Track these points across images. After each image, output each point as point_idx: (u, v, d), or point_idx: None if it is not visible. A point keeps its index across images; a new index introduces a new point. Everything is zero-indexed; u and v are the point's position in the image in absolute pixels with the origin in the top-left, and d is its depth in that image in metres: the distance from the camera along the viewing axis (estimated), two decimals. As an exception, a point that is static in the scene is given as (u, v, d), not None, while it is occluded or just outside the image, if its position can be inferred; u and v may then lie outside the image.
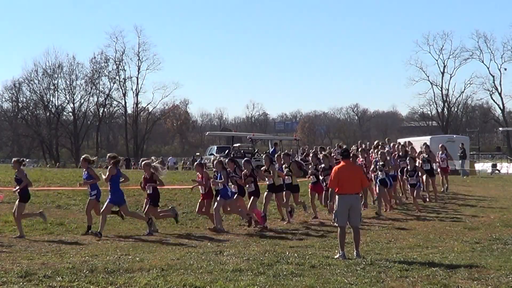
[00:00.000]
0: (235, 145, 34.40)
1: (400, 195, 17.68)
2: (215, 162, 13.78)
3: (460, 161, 30.41)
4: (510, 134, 71.94)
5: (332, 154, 21.14)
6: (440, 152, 20.37)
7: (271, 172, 13.82)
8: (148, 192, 12.76)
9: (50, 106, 73.09)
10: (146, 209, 12.81)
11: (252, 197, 13.30)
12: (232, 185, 13.15)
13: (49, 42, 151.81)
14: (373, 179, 15.92)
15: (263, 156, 16.06)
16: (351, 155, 12.10)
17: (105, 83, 74.45)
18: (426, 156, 18.25)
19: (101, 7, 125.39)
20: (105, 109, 76.97)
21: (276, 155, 15.53)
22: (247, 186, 13.24)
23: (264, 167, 14.21)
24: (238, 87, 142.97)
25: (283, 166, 14.40)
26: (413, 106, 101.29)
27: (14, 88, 74.72)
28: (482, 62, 76.96)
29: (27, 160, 65.18)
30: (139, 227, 13.17)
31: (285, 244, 10.76)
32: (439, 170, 20.13)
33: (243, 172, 13.17)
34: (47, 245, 10.95)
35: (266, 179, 13.99)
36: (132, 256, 9.18)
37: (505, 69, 75.08)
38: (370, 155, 18.06)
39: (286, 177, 14.18)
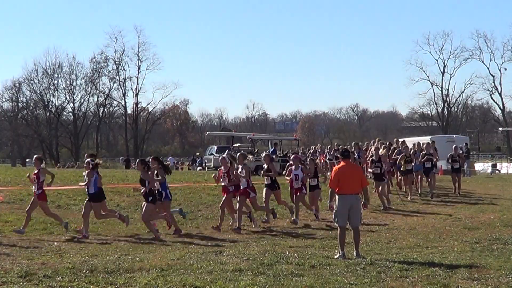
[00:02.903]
0: (235, 145, 34.37)
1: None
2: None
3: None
4: (510, 134, 71.86)
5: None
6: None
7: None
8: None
9: (50, 106, 73.08)
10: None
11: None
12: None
13: (49, 42, 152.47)
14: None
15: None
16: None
17: (105, 83, 74.38)
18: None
19: (101, 7, 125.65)
20: (105, 109, 76.94)
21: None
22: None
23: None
24: (238, 87, 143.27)
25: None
26: (413, 106, 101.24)
27: (14, 88, 74.71)
28: (482, 62, 76.85)
29: (27, 160, 65.51)
30: (138, 227, 13.16)
31: (285, 244, 10.76)
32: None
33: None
34: (47, 245, 10.94)
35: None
36: (132, 256, 9.18)
37: (505, 69, 74.96)
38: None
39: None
